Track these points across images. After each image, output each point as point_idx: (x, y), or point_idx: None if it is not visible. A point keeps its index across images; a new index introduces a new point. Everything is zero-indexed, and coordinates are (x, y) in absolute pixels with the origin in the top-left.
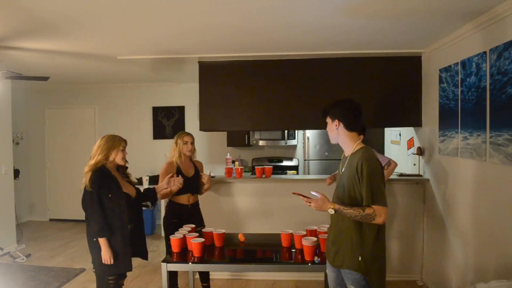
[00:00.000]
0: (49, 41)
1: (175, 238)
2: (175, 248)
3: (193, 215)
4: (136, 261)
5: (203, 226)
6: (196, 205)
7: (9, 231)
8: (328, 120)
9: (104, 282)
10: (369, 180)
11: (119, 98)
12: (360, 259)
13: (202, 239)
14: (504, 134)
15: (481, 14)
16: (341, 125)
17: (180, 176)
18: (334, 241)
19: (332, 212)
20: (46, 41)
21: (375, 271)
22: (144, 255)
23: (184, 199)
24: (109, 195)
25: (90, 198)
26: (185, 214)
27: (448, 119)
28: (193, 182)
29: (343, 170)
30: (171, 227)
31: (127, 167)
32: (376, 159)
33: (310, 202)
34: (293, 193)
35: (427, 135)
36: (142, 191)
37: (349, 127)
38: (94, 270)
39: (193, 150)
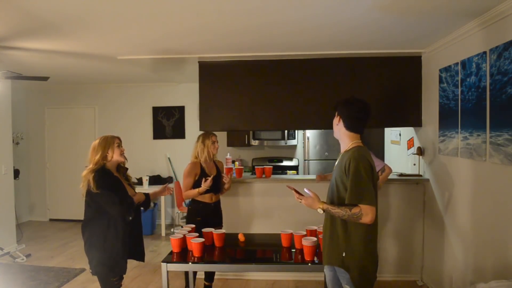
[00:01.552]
0: (49, 41)
1: (175, 238)
2: (175, 248)
3: (215, 214)
4: (136, 261)
5: (221, 226)
6: (218, 204)
7: (9, 231)
8: (336, 113)
9: (108, 284)
10: (355, 178)
11: (119, 98)
12: (344, 255)
13: (202, 239)
14: (504, 134)
15: (481, 14)
16: (341, 123)
17: (209, 177)
18: (324, 238)
19: (321, 212)
20: (46, 41)
21: (357, 269)
22: (141, 257)
23: (207, 198)
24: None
25: (108, 189)
26: (208, 212)
27: (448, 119)
28: (215, 182)
29: (334, 167)
30: (197, 226)
31: (127, 169)
32: (365, 159)
33: (301, 199)
34: (288, 186)
35: (427, 135)
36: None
37: (349, 127)
38: (91, 271)
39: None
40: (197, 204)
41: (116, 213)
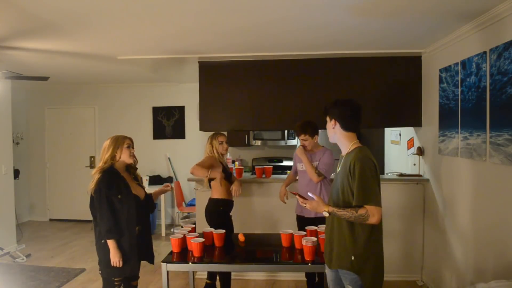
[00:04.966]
0: (49, 41)
1: (175, 238)
2: (175, 248)
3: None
4: None
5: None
6: None
7: (9, 231)
8: (327, 119)
9: (109, 283)
10: (361, 180)
11: (119, 98)
12: (352, 258)
13: (202, 239)
14: (504, 134)
15: (481, 14)
16: (338, 125)
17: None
18: (329, 241)
19: (327, 214)
20: (46, 41)
21: (368, 270)
22: (150, 259)
23: (231, 195)
24: (119, 196)
25: (99, 199)
26: (231, 208)
27: (448, 119)
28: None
29: (338, 170)
30: (226, 225)
31: (136, 168)
32: (369, 159)
33: (305, 203)
34: (292, 193)
35: (427, 135)
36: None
37: (346, 127)
38: (100, 271)
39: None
40: (229, 204)
41: (103, 231)
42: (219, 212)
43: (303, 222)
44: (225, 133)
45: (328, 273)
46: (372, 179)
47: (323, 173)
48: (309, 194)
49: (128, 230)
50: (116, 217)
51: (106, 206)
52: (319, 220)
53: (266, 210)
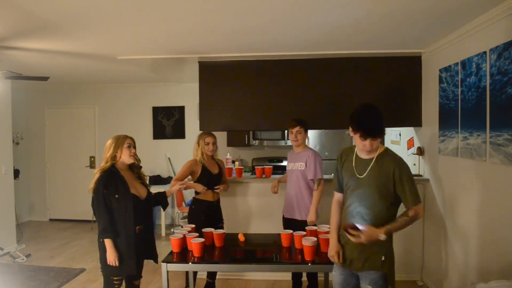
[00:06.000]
0: (49, 41)
1: (175, 238)
2: (175, 248)
3: (217, 211)
4: None
5: (223, 222)
6: (219, 201)
7: (9, 231)
8: (375, 140)
9: (109, 282)
10: (410, 183)
11: (119, 98)
12: (383, 258)
13: (202, 239)
14: (504, 134)
15: (481, 14)
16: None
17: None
18: (358, 245)
19: (384, 237)
20: (46, 41)
21: (393, 269)
22: (154, 258)
23: (210, 196)
24: (116, 196)
25: (97, 198)
26: (211, 210)
27: (448, 119)
28: (216, 180)
29: (364, 175)
30: (201, 224)
31: (140, 167)
32: (405, 161)
33: (360, 236)
34: (344, 229)
35: (427, 135)
36: (152, 194)
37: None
38: (100, 269)
39: (214, 150)
40: (201, 203)
41: (99, 230)
42: (191, 209)
43: (289, 224)
44: (215, 133)
45: (337, 276)
46: (414, 180)
47: (319, 178)
48: (358, 226)
49: (126, 230)
50: (113, 216)
51: (103, 206)
52: (305, 223)
53: (266, 210)
